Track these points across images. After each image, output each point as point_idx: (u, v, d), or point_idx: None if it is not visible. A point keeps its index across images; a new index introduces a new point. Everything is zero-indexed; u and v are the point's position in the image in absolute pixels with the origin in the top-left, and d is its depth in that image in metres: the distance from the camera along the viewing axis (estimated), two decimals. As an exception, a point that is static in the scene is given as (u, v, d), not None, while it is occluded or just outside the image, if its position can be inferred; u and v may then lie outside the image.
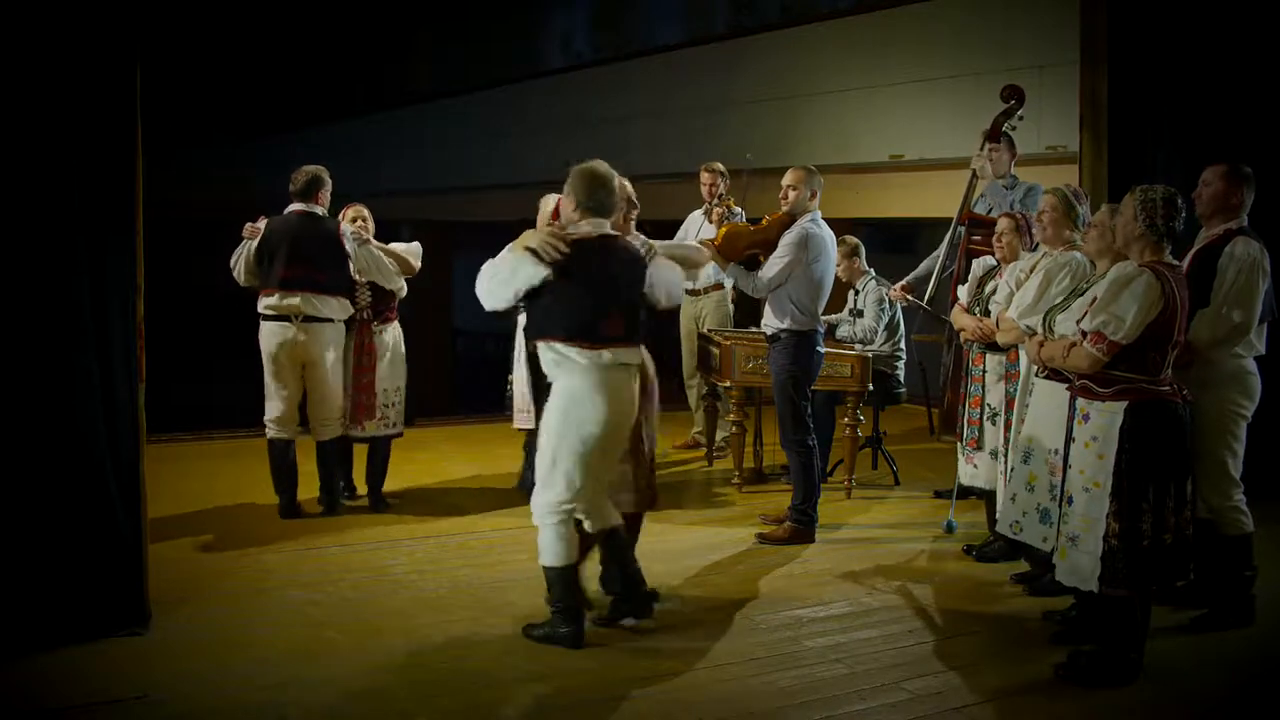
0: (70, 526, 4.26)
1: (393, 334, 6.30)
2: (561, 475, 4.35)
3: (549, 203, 6.05)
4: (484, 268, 4.38)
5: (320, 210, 6.09)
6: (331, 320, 6.03)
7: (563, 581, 4.41)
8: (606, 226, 4.44)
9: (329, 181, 6.12)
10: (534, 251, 4.28)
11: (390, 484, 6.43)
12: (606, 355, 4.32)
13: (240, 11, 21.45)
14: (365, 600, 4.92)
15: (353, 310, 6.13)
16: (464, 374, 19.09)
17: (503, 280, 4.33)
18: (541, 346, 4.39)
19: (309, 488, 6.22)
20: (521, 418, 6.19)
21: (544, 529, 4.40)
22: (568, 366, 4.34)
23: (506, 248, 4.40)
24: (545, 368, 4.41)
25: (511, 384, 6.50)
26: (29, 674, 4.02)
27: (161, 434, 7.59)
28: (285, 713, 3.80)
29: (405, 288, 6.30)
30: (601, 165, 4.48)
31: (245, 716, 3.78)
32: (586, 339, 4.31)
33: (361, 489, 6.48)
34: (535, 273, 4.27)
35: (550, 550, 4.39)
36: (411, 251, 6.30)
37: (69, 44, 4.18)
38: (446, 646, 4.39)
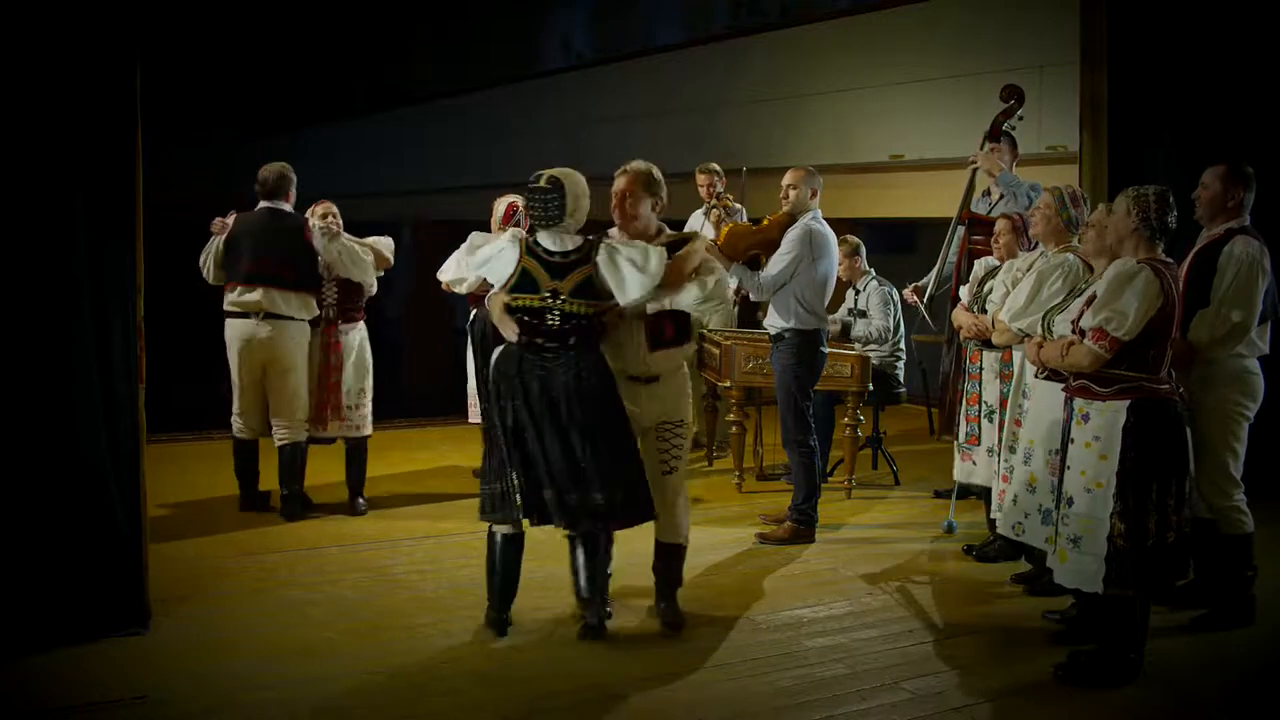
0: (70, 526, 4.26)
1: (359, 335, 6.25)
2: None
3: (501, 205, 6.20)
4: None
5: (287, 207, 6.11)
6: (294, 319, 6.00)
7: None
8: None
9: (295, 178, 6.15)
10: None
11: (389, 485, 6.43)
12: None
13: (240, 11, 21.45)
14: (365, 600, 4.93)
15: (317, 310, 6.09)
16: (463, 374, 19.06)
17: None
18: None
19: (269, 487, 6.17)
20: (474, 412, 6.21)
21: None
22: None
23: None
24: None
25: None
26: (29, 674, 4.02)
27: (161, 434, 7.58)
28: (285, 712, 3.81)
29: (375, 285, 6.26)
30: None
31: (245, 716, 3.79)
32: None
33: (319, 498, 6.29)
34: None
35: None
36: (384, 244, 6.29)
37: (69, 44, 4.18)
38: (446, 646, 4.40)
